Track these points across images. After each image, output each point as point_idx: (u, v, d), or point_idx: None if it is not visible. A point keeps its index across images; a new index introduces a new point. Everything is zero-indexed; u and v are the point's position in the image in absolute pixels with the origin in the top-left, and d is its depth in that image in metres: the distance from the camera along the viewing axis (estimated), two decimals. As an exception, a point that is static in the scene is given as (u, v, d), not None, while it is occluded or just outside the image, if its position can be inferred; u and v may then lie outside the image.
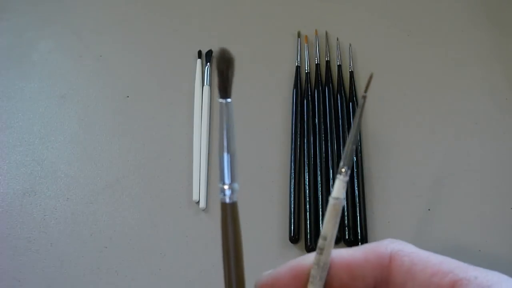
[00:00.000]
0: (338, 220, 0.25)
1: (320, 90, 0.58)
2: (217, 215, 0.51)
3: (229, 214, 0.30)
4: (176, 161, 0.55)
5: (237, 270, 0.31)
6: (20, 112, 0.60)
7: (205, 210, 0.52)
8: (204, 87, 0.60)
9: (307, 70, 0.61)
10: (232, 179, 0.30)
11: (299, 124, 0.56)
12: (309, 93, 0.58)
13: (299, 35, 0.64)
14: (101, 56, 0.64)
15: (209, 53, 0.63)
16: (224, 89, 0.30)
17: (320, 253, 0.24)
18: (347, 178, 0.26)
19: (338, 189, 0.25)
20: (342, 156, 0.26)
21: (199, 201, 0.52)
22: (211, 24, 0.67)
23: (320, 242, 0.25)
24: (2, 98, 0.61)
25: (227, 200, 0.30)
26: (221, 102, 0.30)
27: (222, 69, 0.30)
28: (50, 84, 0.62)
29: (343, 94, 0.58)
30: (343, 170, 0.26)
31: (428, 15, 0.67)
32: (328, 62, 0.61)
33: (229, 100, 0.30)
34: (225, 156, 0.30)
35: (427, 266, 0.22)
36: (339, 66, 0.61)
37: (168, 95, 0.60)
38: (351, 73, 0.60)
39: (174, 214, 0.51)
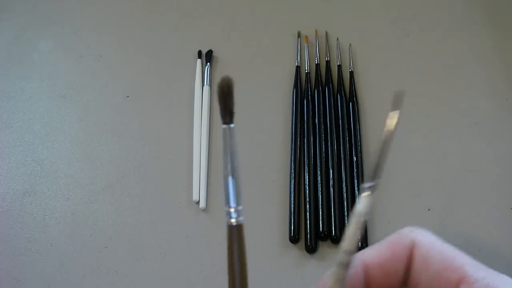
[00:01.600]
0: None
1: (320, 90, 0.58)
2: (217, 215, 0.51)
3: (235, 236, 0.31)
4: (176, 161, 0.55)
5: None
6: (20, 112, 0.60)
7: (205, 210, 0.52)
8: (204, 87, 0.60)
9: (307, 70, 0.61)
10: (237, 202, 0.31)
11: (299, 124, 0.56)
12: (309, 93, 0.58)
13: (299, 35, 0.64)
14: (101, 56, 0.64)
15: (209, 53, 0.63)
16: (227, 115, 0.31)
17: (345, 268, 0.24)
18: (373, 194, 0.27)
19: (366, 205, 0.25)
20: (369, 171, 0.27)
21: (199, 201, 0.52)
22: (211, 24, 0.67)
23: (344, 256, 0.24)
24: (2, 98, 0.61)
25: (233, 223, 0.31)
26: (224, 128, 0.31)
27: (224, 95, 0.31)
28: (50, 84, 0.62)
29: (343, 94, 0.58)
30: (370, 185, 0.26)
31: (428, 15, 0.67)
32: (328, 62, 0.61)
33: (232, 125, 0.31)
34: (230, 180, 0.31)
35: (441, 259, 0.23)
36: (339, 66, 0.61)
37: (168, 95, 0.60)
38: (351, 73, 0.60)
39: (174, 214, 0.51)
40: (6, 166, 0.55)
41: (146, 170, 0.55)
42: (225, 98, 0.31)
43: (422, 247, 0.23)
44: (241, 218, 0.31)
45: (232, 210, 0.31)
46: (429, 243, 0.24)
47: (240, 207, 0.31)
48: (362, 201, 0.25)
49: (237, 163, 0.32)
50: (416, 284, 0.23)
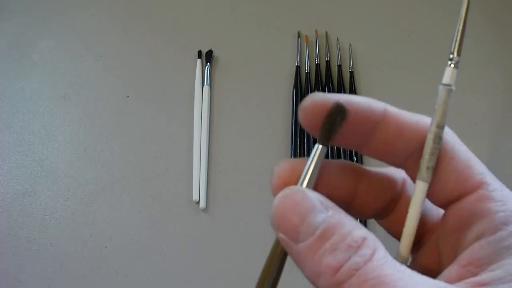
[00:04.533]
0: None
1: (320, 90, 0.58)
2: (217, 215, 0.51)
3: (280, 252, 0.29)
4: (176, 161, 0.55)
5: None
6: (20, 112, 0.60)
7: (205, 210, 0.52)
8: (204, 87, 0.60)
9: (307, 70, 0.61)
10: None
11: (299, 124, 0.55)
12: (309, 93, 0.58)
13: (299, 35, 0.64)
14: (101, 56, 0.64)
15: (209, 53, 0.63)
16: (328, 137, 0.30)
17: (438, 143, 0.23)
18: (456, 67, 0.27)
19: (451, 76, 0.25)
20: (453, 45, 0.27)
21: (199, 201, 0.52)
22: (211, 24, 0.67)
23: (437, 131, 0.24)
24: (2, 98, 0.61)
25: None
26: (318, 146, 0.30)
27: (336, 121, 0.30)
28: (50, 84, 0.62)
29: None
30: (453, 58, 0.26)
31: (428, 15, 0.67)
32: (328, 62, 0.61)
33: (321, 145, 0.31)
34: None
35: (467, 158, 0.23)
36: (339, 66, 0.61)
37: (168, 95, 0.60)
38: (351, 73, 0.60)
39: (174, 214, 0.51)
40: (6, 166, 0.55)
41: (146, 170, 0.54)
42: (335, 123, 0.30)
43: (450, 143, 0.23)
44: None
45: None
46: (458, 142, 0.24)
47: None
48: (448, 73, 0.25)
49: (312, 184, 0.31)
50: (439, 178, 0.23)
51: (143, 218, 0.51)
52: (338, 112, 0.31)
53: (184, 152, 0.55)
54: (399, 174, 0.25)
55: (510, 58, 0.62)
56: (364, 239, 0.19)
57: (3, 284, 0.48)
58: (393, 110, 0.23)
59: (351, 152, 0.53)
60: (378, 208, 0.25)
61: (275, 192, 0.23)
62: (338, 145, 0.24)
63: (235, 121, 0.58)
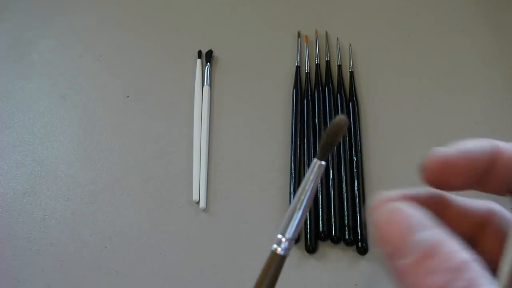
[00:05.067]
0: None
1: (320, 90, 0.58)
2: (217, 215, 0.51)
3: (275, 265, 0.31)
4: (176, 161, 0.55)
5: None
6: (20, 112, 0.60)
7: (205, 210, 0.52)
8: (204, 87, 0.60)
9: (307, 70, 0.61)
10: (293, 235, 0.31)
11: (299, 124, 0.56)
12: (309, 93, 0.58)
13: (299, 35, 0.64)
14: (101, 56, 0.64)
15: (209, 53, 0.63)
16: (326, 152, 0.31)
17: None
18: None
19: None
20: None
21: (199, 201, 0.52)
22: (211, 24, 0.67)
23: None
24: (2, 98, 0.61)
25: (281, 252, 0.31)
26: (316, 162, 0.31)
27: (335, 134, 0.31)
28: (50, 84, 0.62)
29: (343, 94, 0.58)
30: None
31: (428, 15, 0.67)
32: (328, 62, 0.61)
33: (323, 163, 0.31)
34: (300, 213, 0.31)
35: None
36: (339, 66, 0.61)
37: (168, 95, 0.60)
38: (351, 73, 0.60)
39: (174, 214, 0.51)
40: (6, 166, 0.55)
41: (146, 170, 0.54)
42: (334, 136, 0.31)
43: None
44: (288, 251, 0.31)
45: (284, 239, 0.31)
46: None
47: (293, 241, 0.31)
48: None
49: (311, 201, 0.32)
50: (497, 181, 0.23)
51: (143, 218, 0.51)
52: (340, 128, 0.31)
53: (184, 152, 0.55)
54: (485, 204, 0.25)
55: (510, 58, 0.62)
56: (468, 262, 0.18)
57: (3, 284, 0.48)
58: (503, 145, 0.23)
59: (351, 153, 0.53)
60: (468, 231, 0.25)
61: (430, 183, 0.23)
62: (452, 190, 0.24)
63: (235, 121, 0.58)
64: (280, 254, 0.31)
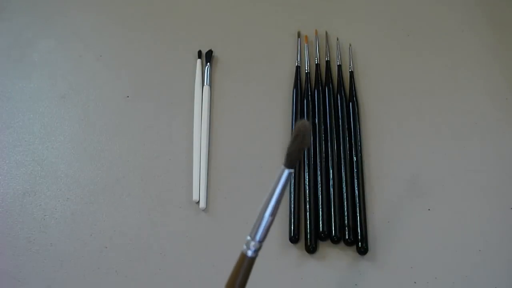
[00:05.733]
0: None
1: (320, 90, 0.58)
2: (217, 215, 0.51)
3: (244, 267, 0.32)
4: (176, 161, 0.55)
5: None
6: (20, 112, 0.60)
7: (205, 210, 0.52)
8: (204, 87, 0.60)
9: (307, 70, 0.61)
10: (262, 239, 0.32)
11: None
12: (309, 93, 0.58)
13: (299, 35, 0.64)
14: (101, 56, 0.64)
15: (209, 53, 0.63)
16: (294, 161, 0.32)
17: None
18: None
19: None
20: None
21: (199, 201, 0.52)
22: (211, 24, 0.67)
23: None
24: (2, 98, 0.61)
25: (250, 254, 0.32)
26: (284, 170, 0.32)
27: (300, 142, 0.32)
28: (50, 84, 0.62)
29: (343, 94, 0.58)
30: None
31: (428, 15, 0.67)
32: (328, 62, 0.61)
33: (291, 170, 0.32)
34: (267, 218, 0.32)
35: None
36: (339, 66, 0.61)
37: (168, 95, 0.60)
38: (351, 73, 0.60)
39: (174, 214, 0.51)
40: (6, 166, 0.55)
41: (146, 170, 0.54)
42: (299, 145, 0.32)
43: None
44: (257, 253, 0.32)
45: (253, 242, 0.32)
46: None
47: (261, 244, 0.32)
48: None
49: (279, 206, 0.32)
50: None
51: (143, 218, 0.51)
52: (305, 132, 0.32)
53: (184, 152, 0.55)
54: None
55: (510, 58, 0.62)
56: None
57: (3, 284, 0.48)
58: None
59: (351, 153, 0.53)
60: None
61: None
62: None
63: (235, 121, 0.58)
64: (249, 256, 0.32)
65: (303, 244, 0.48)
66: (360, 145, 0.54)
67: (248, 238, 0.32)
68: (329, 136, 0.54)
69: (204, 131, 0.56)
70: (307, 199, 0.50)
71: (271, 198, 0.33)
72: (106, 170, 0.55)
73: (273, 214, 0.33)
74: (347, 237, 0.48)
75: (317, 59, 0.61)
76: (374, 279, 0.47)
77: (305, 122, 0.32)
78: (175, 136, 0.57)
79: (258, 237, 0.33)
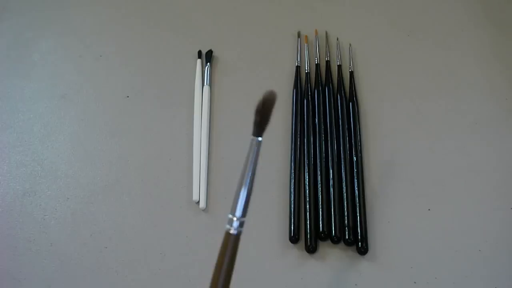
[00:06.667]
0: None
1: (320, 90, 0.58)
2: (217, 215, 0.51)
3: (230, 245, 0.32)
4: (176, 161, 0.55)
5: None
6: (20, 112, 0.60)
7: (205, 210, 0.52)
8: (204, 87, 0.60)
9: (307, 70, 0.61)
10: (243, 214, 0.32)
11: (299, 124, 0.56)
12: (309, 93, 0.58)
13: (299, 35, 0.64)
14: (101, 56, 0.64)
15: (209, 53, 0.63)
16: (261, 128, 0.32)
17: None
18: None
19: None
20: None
21: (199, 201, 0.52)
22: (211, 24, 0.67)
23: None
24: (2, 98, 0.61)
25: (233, 232, 0.32)
26: (253, 139, 0.32)
27: (264, 109, 0.32)
28: (50, 84, 0.62)
29: (343, 94, 0.58)
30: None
31: (428, 15, 0.67)
32: (328, 62, 0.61)
33: (260, 139, 0.32)
34: (243, 192, 0.32)
35: None
36: (339, 66, 0.61)
37: (168, 95, 0.60)
38: (351, 73, 0.60)
39: (174, 214, 0.51)
40: (6, 166, 0.55)
41: (146, 170, 0.54)
42: (265, 111, 0.32)
43: None
44: (240, 229, 0.32)
45: (235, 219, 0.32)
46: None
47: (243, 219, 0.32)
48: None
49: (254, 177, 0.32)
50: None
51: (143, 218, 0.51)
52: (271, 101, 0.32)
53: (184, 152, 0.55)
54: None
55: (510, 58, 0.62)
56: None
57: (3, 284, 0.48)
58: None
59: (351, 153, 0.53)
60: None
61: None
62: None
63: (235, 121, 0.58)
64: (233, 234, 0.32)
65: (303, 244, 0.48)
66: (360, 145, 0.54)
67: (230, 216, 0.32)
68: (329, 136, 0.54)
69: (204, 131, 0.56)
70: (307, 199, 0.50)
71: (245, 171, 0.33)
72: (106, 170, 0.55)
73: (249, 187, 0.33)
74: (347, 237, 0.48)
75: (317, 59, 0.61)
76: (374, 279, 0.47)
77: (271, 91, 0.32)
78: (175, 136, 0.57)
79: (238, 213, 0.33)
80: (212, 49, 0.63)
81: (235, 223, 0.32)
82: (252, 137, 0.32)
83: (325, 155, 0.53)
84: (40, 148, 0.57)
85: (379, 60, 0.63)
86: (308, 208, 0.50)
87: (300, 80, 0.60)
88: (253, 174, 0.33)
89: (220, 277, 0.31)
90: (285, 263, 0.48)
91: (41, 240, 0.50)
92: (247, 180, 0.33)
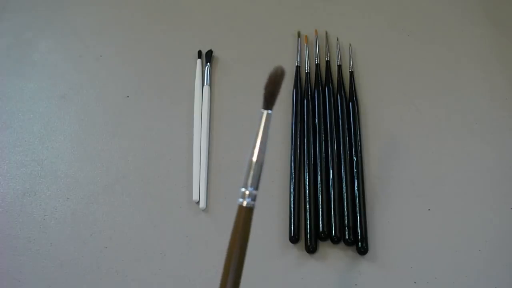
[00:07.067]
0: None
1: (320, 90, 0.58)
2: (217, 215, 0.51)
3: (243, 218, 0.32)
4: (176, 161, 0.55)
5: (237, 269, 0.32)
6: (20, 112, 0.60)
7: (205, 210, 0.52)
8: (204, 87, 0.60)
9: (307, 70, 0.61)
10: (255, 187, 0.32)
11: (299, 124, 0.56)
12: (309, 93, 0.58)
13: (299, 35, 0.64)
14: (101, 56, 0.64)
15: (209, 53, 0.63)
16: (270, 100, 0.32)
17: None
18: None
19: None
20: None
21: (199, 201, 0.52)
22: (211, 24, 0.67)
23: None
24: (2, 98, 0.61)
25: (245, 204, 0.32)
26: (263, 112, 0.32)
27: (275, 81, 0.32)
28: (50, 84, 0.62)
29: (343, 94, 0.58)
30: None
31: (428, 15, 0.67)
32: (328, 62, 0.61)
33: (270, 111, 0.33)
34: (254, 164, 0.32)
35: None
36: (339, 66, 0.61)
37: (168, 95, 0.60)
38: (351, 73, 0.60)
39: (174, 214, 0.51)
40: (6, 166, 0.55)
41: (146, 170, 0.54)
42: (275, 84, 0.33)
43: None
44: (253, 203, 0.31)
45: (247, 192, 0.31)
46: None
47: (255, 192, 0.31)
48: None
49: (265, 149, 0.32)
50: None
51: (143, 218, 0.51)
52: (279, 75, 0.33)
53: (184, 152, 0.55)
54: None
55: (510, 58, 0.62)
56: None
57: (3, 284, 0.48)
58: None
59: (351, 153, 0.53)
60: None
61: None
62: None
63: (235, 121, 0.58)
64: (246, 207, 0.32)
65: (303, 244, 0.48)
66: (360, 145, 0.54)
67: (242, 189, 0.32)
68: (329, 136, 0.54)
69: (204, 131, 0.56)
70: (307, 199, 0.50)
71: (255, 142, 0.33)
72: (106, 170, 0.55)
73: (260, 158, 0.33)
74: (347, 237, 0.48)
75: (317, 59, 0.61)
76: (374, 279, 0.47)
77: (280, 66, 0.33)
78: (175, 136, 0.57)
79: (250, 185, 0.33)
80: (212, 49, 0.63)
81: (248, 197, 0.32)
82: (262, 110, 0.32)
83: (325, 155, 0.53)
84: (40, 148, 0.57)
85: (379, 60, 0.63)
86: (308, 208, 0.50)
87: (300, 80, 0.60)
88: (264, 146, 0.33)
89: (234, 251, 0.31)
90: (285, 263, 0.48)
91: (41, 240, 0.50)
92: (258, 152, 0.33)
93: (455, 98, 0.59)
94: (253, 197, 0.32)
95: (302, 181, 0.52)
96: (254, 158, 0.33)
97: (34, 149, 0.56)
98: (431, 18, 0.67)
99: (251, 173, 0.32)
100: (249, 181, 0.33)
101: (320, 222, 0.49)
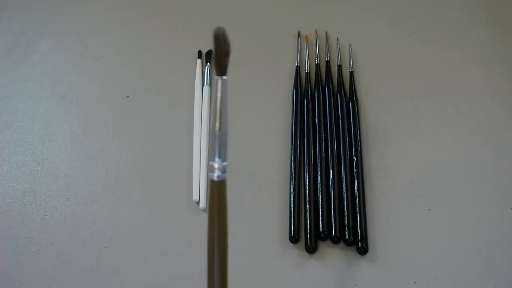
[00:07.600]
0: None
1: (320, 90, 0.58)
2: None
3: (217, 193, 0.31)
4: (176, 161, 0.55)
5: (221, 248, 0.31)
6: (20, 112, 0.60)
7: (205, 210, 0.52)
8: (204, 87, 0.60)
9: (307, 70, 0.61)
10: (222, 158, 0.30)
11: (299, 124, 0.56)
12: (309, 93, 0.58)
13: (299, 35, 0.64)
14: (101, 56, 0.64)
15: (209, 53, 0.63)
16: (222, 66, 0.31)
17: None
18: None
19: None
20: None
21: (199, 201, 0.52)
22: (211, 24, 0.67)
23: None
24: (2, 98, 0.61)
25: (215, 178, 0.30)
26: (217, 79, 0.31)
27: (218, 47, 0.31)
28: (50, 84, 0.62)
29: (343, 94, 0.58)
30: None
31: (428, 15, 0.67)
32: (328, 62, 0.61)
33: (224, 77, 0.31)
34: (218, 133, 0.31)
35: None
36: (339, 66, 0.61)
37: (168, 95, 0.60)
38: (351, 73, 0.60)
39: (174, 214, 0.51)
40: (6, 166, 0.55)
41: (146, 170, 0.54)
42: (220, 47, 0.32)
43: None
44: (224, 175, 0.30)
45: (216, 165, 0.30)
46: None
47: (224, 163, 0.30)
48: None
49: (226, 117, 0.31)
50: None
51: (143, 218, 0.51)
52: (222, 34, 0.32)
53: (184, 152, 0.55)
54: None
55: (510, 58, 0.62)
56: None
57: (3, 284, 0.48)
58: None
59: (351, 153, 0.53)
60: None
61: None
62: None
63: (235, 121, 0.58)
64: (218, 181, 0.31)
65: (303, 244, 0.48)
66: (360, 145, 0.54)
67: (211, 163, 0.31)
68: (329, 136, 0.54)
69: (204, 131, 0.56)
70: (307, 199, 0.50)
71: (216, 112, 0.32)
72: (106, 170, 0.55)
73: (224, 127, 0.31)
74: (347, 237, 0.48)
75: (317, 59, 0.61)
76: (374, 279, 0.47)
77: (219, 27, 0.32)
78: (175, 136, 0.57)
79: (217, 156, 0.31)
80: (212, 49, 0.63)
81: (217, 170, 0.31)
82: (216, 77, 0.31)
83: (325, 155, 0.53)
84: (40, 148, 0.56)
85: (379, 60, 0.63)
86: (308, 208, 0.50)
87: (300, 80, 0.60)
88: (225, 114, 0.31)
89: (214, 229, 0.30)
90: (285, 263, 0.48)
91: (41, 240, 0.50)
92: (218, 122, 0.32)
93: (455, 98, 0.59)
94: (223, 169, 0.31)
95: (302, 181, 0.52)
96: (217, 128, 0.31)
97: (34, 149, 0.56)
98: (431, 18, 0.67)
99: (217, 144, 0.31)
100: (216, 153, 0.31)
101: (320, 222, 0.49)
